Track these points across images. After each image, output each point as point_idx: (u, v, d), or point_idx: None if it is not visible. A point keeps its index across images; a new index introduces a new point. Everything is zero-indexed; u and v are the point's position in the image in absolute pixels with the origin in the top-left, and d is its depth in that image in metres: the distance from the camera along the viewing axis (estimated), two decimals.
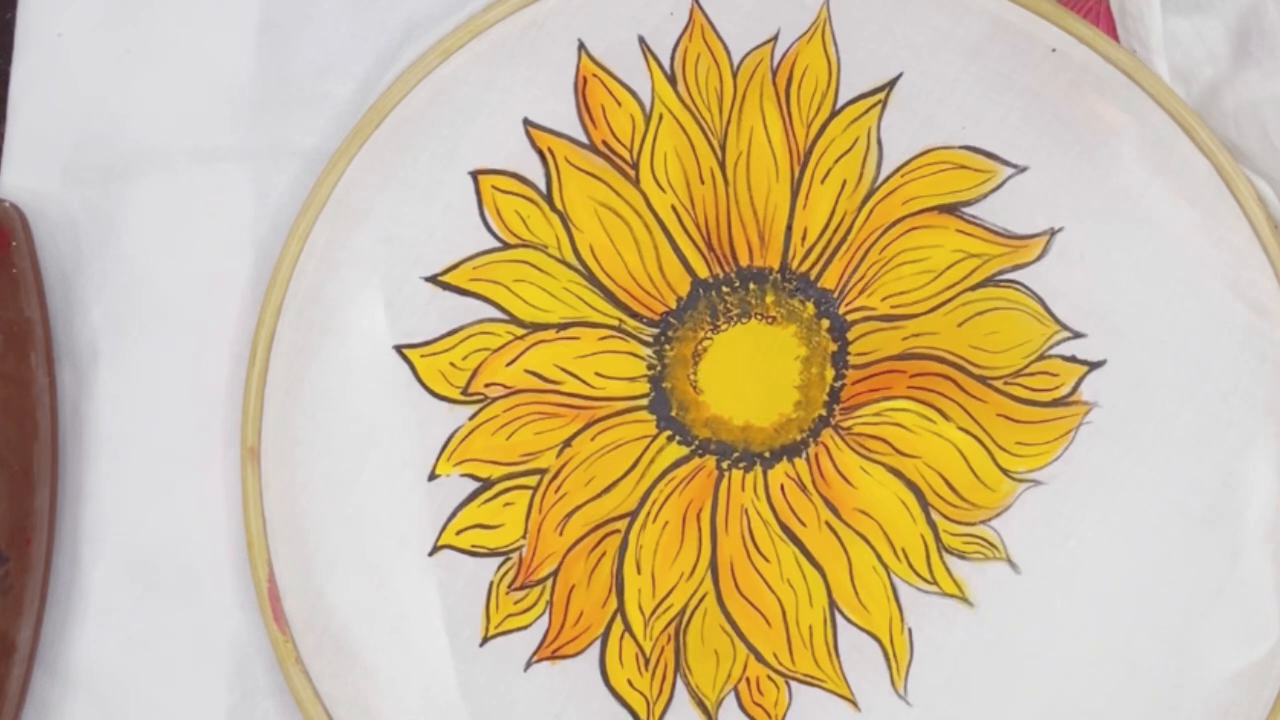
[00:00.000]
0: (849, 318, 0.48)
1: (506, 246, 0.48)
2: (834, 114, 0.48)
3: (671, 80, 0.49)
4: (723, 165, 0.48)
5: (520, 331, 0.48)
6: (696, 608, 0.47)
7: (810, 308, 0.48)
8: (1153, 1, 0.48)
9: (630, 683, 0.46)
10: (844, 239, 0.48)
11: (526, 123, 0.49)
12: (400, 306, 0.48)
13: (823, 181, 0.48)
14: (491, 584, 0.47)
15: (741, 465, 0.47)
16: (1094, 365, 0.47)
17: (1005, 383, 0.47)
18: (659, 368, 0.48)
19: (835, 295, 0.48)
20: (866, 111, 0.48)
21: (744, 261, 0.48)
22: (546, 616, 0.47)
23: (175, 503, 0.49)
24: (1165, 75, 0.48)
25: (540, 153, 0.49)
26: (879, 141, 0.48)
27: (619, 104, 0.49)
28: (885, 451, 0.47)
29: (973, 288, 0.47)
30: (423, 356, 0.48)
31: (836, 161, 0.48)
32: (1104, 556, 0.46)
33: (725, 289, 0.48)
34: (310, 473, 0.47)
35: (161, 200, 0.51)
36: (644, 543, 0.47)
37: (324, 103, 0.51)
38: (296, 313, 0.48)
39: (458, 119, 0.49)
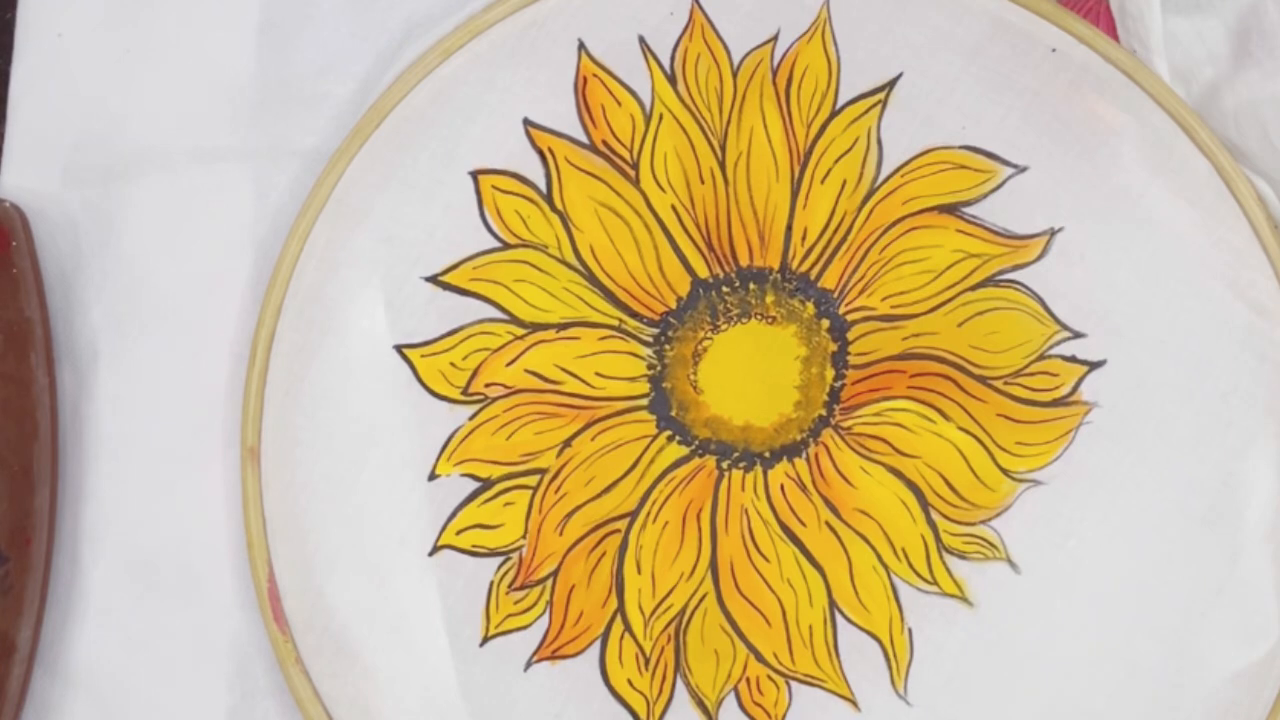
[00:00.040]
0: (849, 318, 0.48)
1: (506, 246, 0.48)
2: (834, 114, 0.48)
3: (671, 80, 0.49)
4: (723, 165, 0.48)
5: (520, 331, 0.48)
6: (696, 608, 0.47)
7: (810, 308, 0.48)
8: (1153, 1, 0.48)
9: (630, 683, 0.46)
10: (844, 239, 0.48)
11: (526, 123, 0.49)
12: (400, 306, 0.48)
13: (823, 181, 0.48)
14: (491, 584, 0.47)
15: (741, 465, 0.47)
16: (1094, 365, 0.47)
17: (1005, 383, 0.47)
18: (659, 368, 0.48)
19: (835, 295, 0.48)
20: (866, 111, 0.48)
21: (744, 261, 0.48)
22: (546, 616, 0.47)
23: (175, 503, 0.49)
24: (1165, 75, 0.48)
25: (540, 153, 0.49)
26: (879, 141, 0.48)
27: (619, 104, 0.49)
28: (885, 451, 0.47)
29: (973, 288, 0.47)
30: (423, 356, 0.48)
31: (836, 161, 0.48)
32: (1104, 556, 0.46)
33: (725, 289, 0.48)
34: (310, 473, 0.47)
35: (161, 200, 0.51)
36: (644, 543, 0.47)
37: (324, 103, 0.51)
38: (296, 313, 0.48)
39: (458, 119, 0.49)
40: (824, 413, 0.47)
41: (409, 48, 0.50)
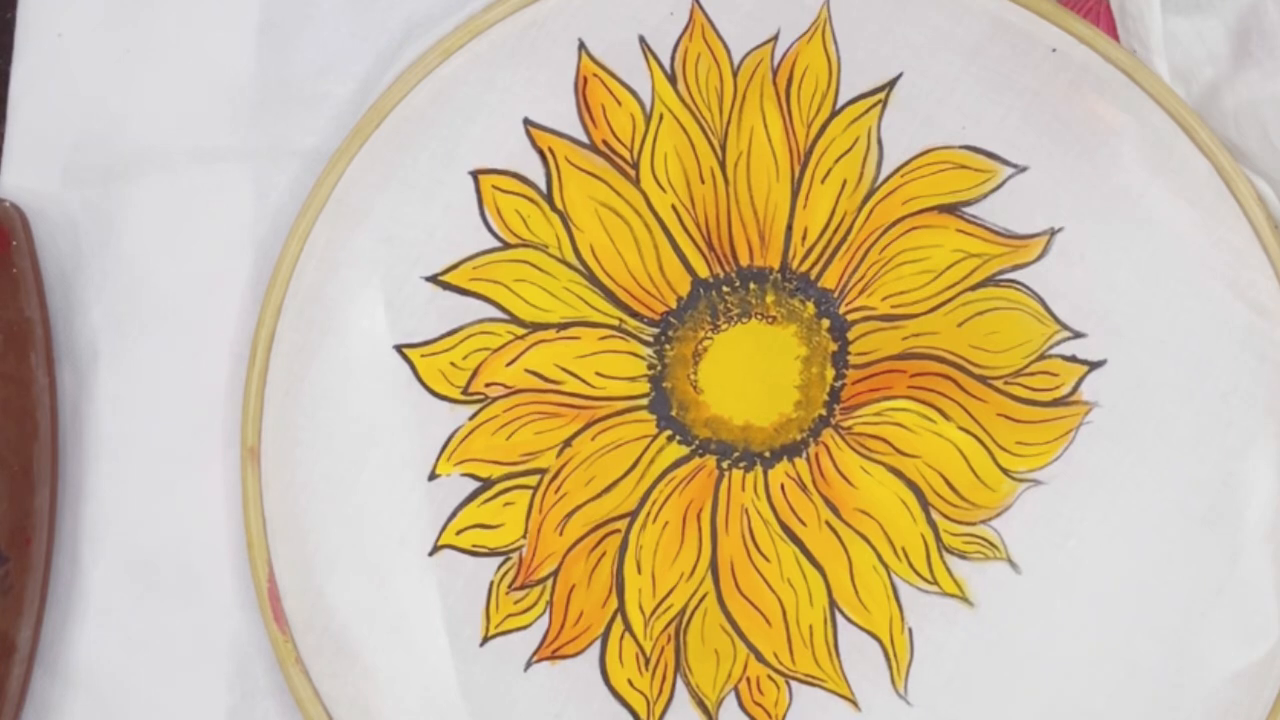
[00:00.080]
0: (849, 317, 0.48)
1: (507, 246, 0.48)
2: (834, 114, 0.48)
3: (672, 80, 0.49)
4: (723, 165, 0.48)
5: (520, 331, 0.48)
6: (697, 607, 0.47)
7: (810, 307, 0.48)
8: (1153, 1, 0.48)
9: (630, 682, 0.46)
10: (844, 239, 0.48)
11: (527, 122, 0.49)
12: (400, 306, 0.48)
13: (823, 181, 0.48)
14: (491, 584, 0.47)
15: (742, 465, 0.47)
16: (1094, 365, 0.47)
17: (1005, 382, 0.47)
18: (659, 367, 0.48)
19: (835, 295, 0.48)
20: (867, 111, 0.48)
21: (744, 261, 0.48)
22: (546, 616, 0.47)
23: (175, 503, 0.49)
24: (1165, 75, 0.48)
25: (540, 152, 0.49)
26: (879, 141, 0.48)
27: (619, 104, 0.49)
28: (885, 451, 0.47)
29: (973, 288, 0.47)
30: (423, 356, 0.48)
31: (837, 161, 0.48)
32: (1104, 556, 0.46)
33: (725, 289, 0.48)
34: (310, 473, 0.47)
35: (161, 200, 0.51)
36: (644, 542, 0.47)
37: (324, 103, 0.51)
38: (296, 313, 0.48)
39: (458, 119, 0.49)
40: (824, 412, 0.47)
41: (409, 48, 0.50)
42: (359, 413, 0.48)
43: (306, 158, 0.50)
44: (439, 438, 0.47)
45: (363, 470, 0.47)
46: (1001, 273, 0.47)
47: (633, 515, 0.47)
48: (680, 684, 0.46)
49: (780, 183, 0.48)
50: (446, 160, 0.49)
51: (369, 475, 0.47)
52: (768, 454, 0.47)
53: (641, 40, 0.49)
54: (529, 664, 0.46)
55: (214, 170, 0.51)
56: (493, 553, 0.47)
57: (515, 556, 0.47)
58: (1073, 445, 0.46)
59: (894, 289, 0.48)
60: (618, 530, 0.47)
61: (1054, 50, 0.48)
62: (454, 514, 0.47)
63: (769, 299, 0.48)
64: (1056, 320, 0.47)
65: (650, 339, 0.48)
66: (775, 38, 0.49)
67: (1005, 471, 0.47)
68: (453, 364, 0.48)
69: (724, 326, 0.48)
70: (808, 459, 0.47)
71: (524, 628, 0.47)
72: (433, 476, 0.47)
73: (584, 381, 0.48)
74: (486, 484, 0.47)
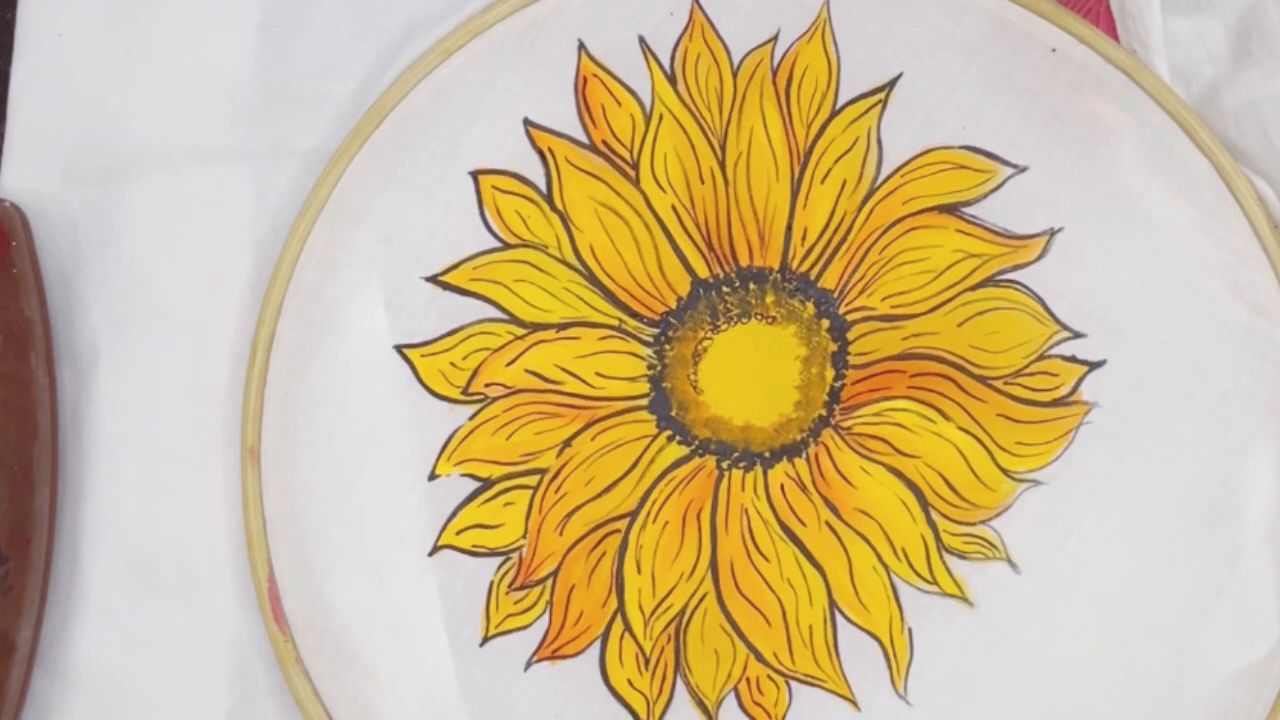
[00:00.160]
0: (849, 318, 0.48)
1: (507, 246, 0.48)
2: (834, 114, 0.48)
3: (671, 80, 0.49)
4: (723, 165, 0.48)
5: (520, 331, 0.48)
6: (696, 608, 0.47)
7: (810, 308, 0.48)
8: (1153, 1, 0.48)
9: (630, 683, 0.46)
10: (844, 239, 0.48)
11: (526, 123, 0.49)
12: (400, 306, 0.48)
13: (823, 181, 0.48)
14: (491, 584, 0.47)
15: (741, 465, 0.47)
16: (1094, 365, 0.47)
17: (1005, 383, 0.47)
18: (659, 368, 0.48)
19: (835, 295, 0.48)
20: (866, 111, 0.48)
21: (744, 261, 0.48)
22: (546, 616, 0.47)
23: (175, 503, 0.49)
24: (1165, 75, 0.48)
25: (540, 153, 0.49)
26: (879, 141, 0.48)
27: (619, 104, 0.49)
28: (885, 451, 0.47)
29: (973, 288, 0.47)
30: (423, 356, 0.48)
31: (836, 161, 0.48)
32: (1104, 556, 0.46)
33: (725, 289, 0.48)
34: (310, 473, 0.47)
35: (161, 200, 0.51)
36: (644, 543, 0.47)
37: (324, 103, 0.51)
38: (296, 313, 0.48)
39: (458, 119, 0.49)
40: (824, 413, 0.47)
41: (409, 48, 0.50)
42: (359, 413, 0.48)
43: (306, 158, 0.50)
44: (439, 438, 0.47)
45: (363, 470, 0.47)
46: (1001, 273, 0.47)
47: (633, 515, 0.47)
48: (680, 684, 0.46)
49: (780, 183, 0.48)
50: (446, 160, 0.49)
51: (369, 475, 0.47)
52: (767, 454, 0.47)
53: (641, 40, 0.49)
54: (529, 664, 0.46)
55: (214, 170, 0.51)
56: (493, 553, 0.47)
57: (515, 556, 0.47)
58: (1073, 445, 0.46)
59: (894, 289, 0.48)
60: (618, 530, 0.47)
61: (1054, 50, 0.48)
62: (454, 514, 0.47)
63: (769, 299, 0.48)
64: (1056, 320, 0.47)
65: (650, 339, 0.48)
66: (775, 38, 0.49)
67: (1005, 472, 0.47)
68: (453, 364, 0.48)
69: (724, 327, 0.48)
70: (807, 459, 0.47)
71: (524, 628, 0.47)
72: (433, 476, 0.47)
73: (584, 382, 0.48)
74: (486, 484, 0.47)
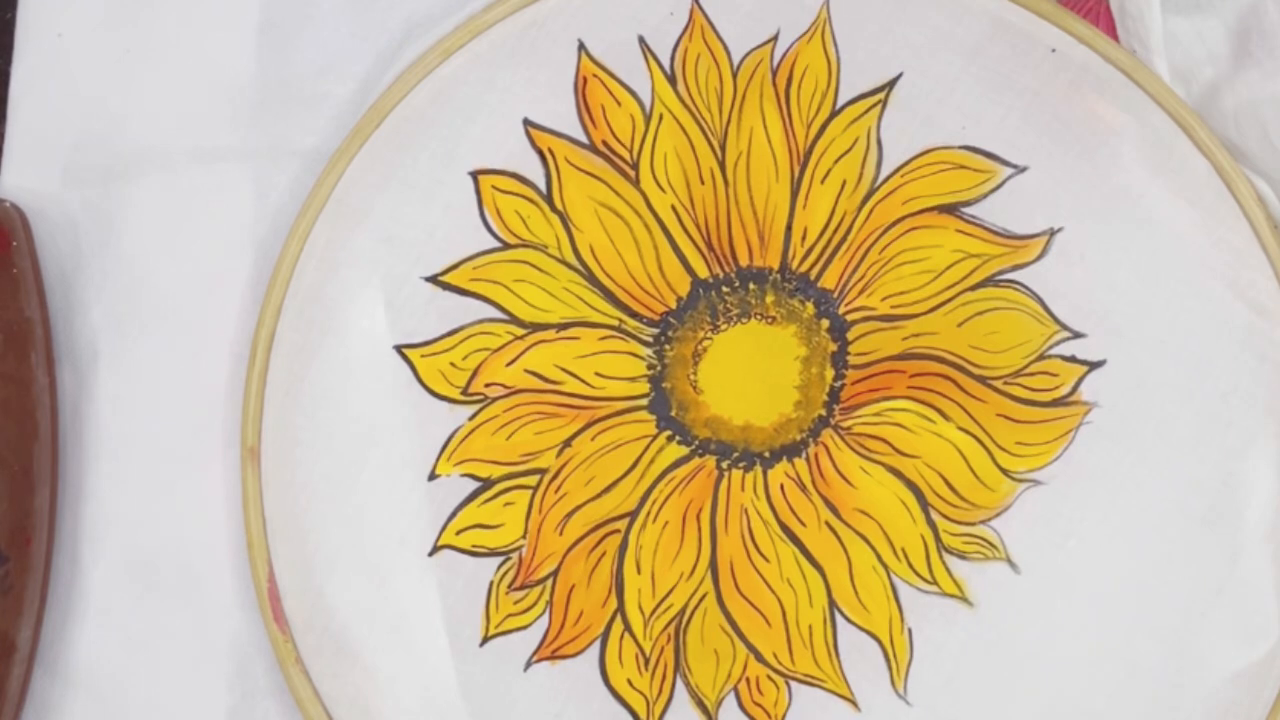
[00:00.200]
0: (849, 318, 0.48)
1: (506, 246, 0.48)
2: (834, 114, 0.48)
3: (671, 80, 0.49)
4: (723, 165, 0.48)
5: (520, 331, 0.48)
6: (696, 608, 0.47)
7: (810, 308, 0.48)
8: (1153, 1, 0.48)
9: (630, 683, 0.46)
10: (844, 239, 0.48)
11: (526, 123, 0.49)
12: (400, 306, 0.48)
13: (823, 181, 0.48)
14: (491, 584, 0.47)
15: (741, 465, 0.47)
16: (1094, 365, 0.47)
17: (1005, 383, 0.47)
18: (659, 368, 0.48)
19: (835, 295, 0.48)
20: (866, 111, 0.48)
21: (744, 261, 0.48)
22: (546, 616, 0.47)
23: (175, 503, 0.49)
24: (1165, 75, 0.48)
25: (540, 153, 0.49)
26: (879, 141, 0.48)
27: (619, 104, 0.49)
28: (885, 451, 0.47)
29: (973, 288, 0.47)
30: (423, 356, 0.48)
31: (836, 161, 0.48)
32: (1104, 556, 0.46)
33: (725, 289, 0.48)
34: (310, 473, 0.47)
35: (161, 200, 0.51)
36: (644, 543, 0.47)
37: (324, 103, 0.51)
38: (296, 313, 0.48)
39: (458, 119, 0.49)
40: (824, 413, 0.47)
41: (409, 48, 0.50)
42: (359, 413, 0.48)
43: (306, 158, 0.50)
44: (439, 438, 0.47)
45: (363, 470, 0.47)
46: (1001, 273, 0.47)
47: (632, 515, 0.47)
48: (680, 684, 0.46)
49: (780, 183, 0.48)
50: (446, 160, 0.49)
51: (369, 475, 0.47)
52: (767, 454, 0.47)
53: (641, 40, 0.49)
54: (529, 664, 0.46)
55: (214, 170, 0.51)
56: (493, 553, 0.47)
57: (515, 556, 0.47)
58: (1072, 445, 0.46)
59: (894, 289, 0.48)
60: (617, 530, 0.47)
61: (1054, 50, 0.48)
62: (454, 514, 0.47)
63: (769, 299, 0.48)
64: (1056, 320, 0.47)
65: (650, 339, 0.48)
66: (775, 38, 0.49)
67: (1005, 472, 0.47)
68: (452, 364, 0.48)
69: (724, 327, 0.48)
70: (807, 459, 0.47)
71: (524, 628, 0.47)
72: (433, 476, 0.47)
73: (584, 382, 0.48)
74: (486, 484, 0.47)
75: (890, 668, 0.46)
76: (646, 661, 0.46)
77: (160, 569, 0.49)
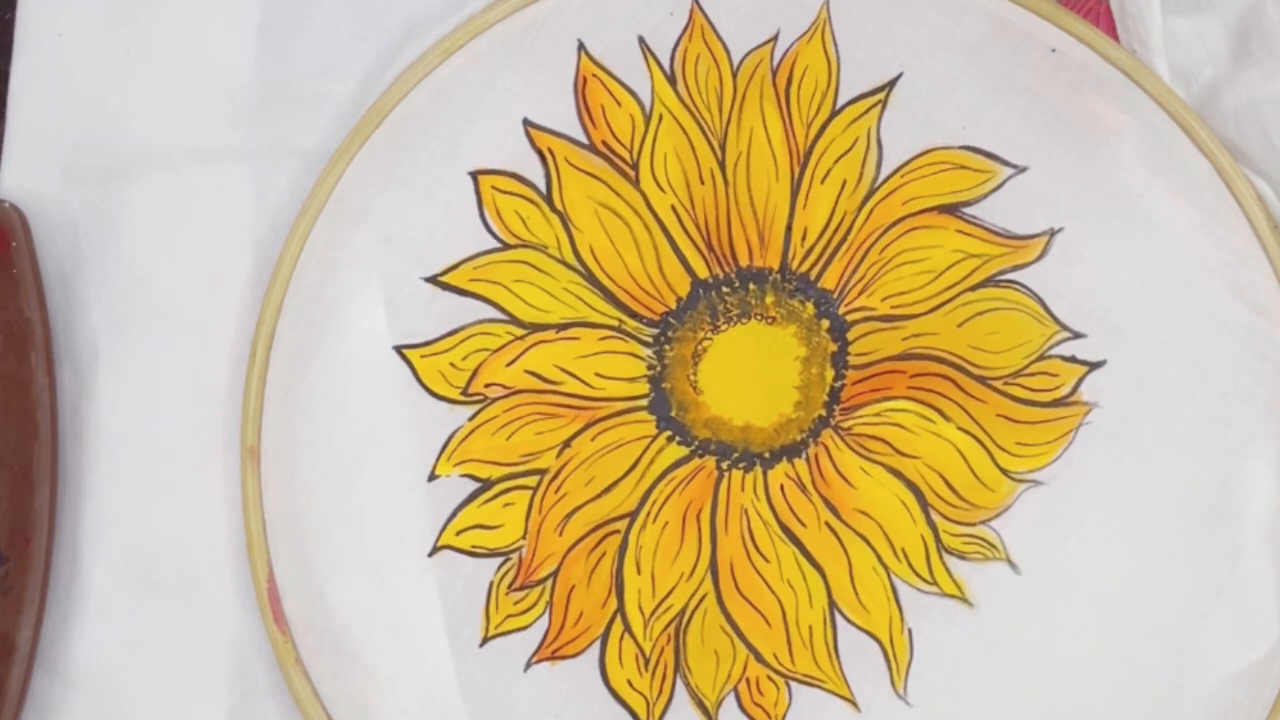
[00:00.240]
0: (849, 318, 0.48)
1: (506, 247, 0.48)
2: (834, 114, 0.48)
3: (671, 80, 0.49)
4: (723, 165, 0.48)
5: (520, 332, 0.48)
6: (696, 608, 0.47)
7: (810, 308, 0.48)
8: (1153, 1, 0.48)
9: (630, 683, 0.46)
10: (844, 239, 0.48)
11: (526, 123, 0.49)
12: (400, 306, 0.48)
13: (823, 181, 0.48)
14: (491, 584, 0.47)
15: (741, 465, 0.47)
16: (1094, 365, 0.47)
17: (1005, 383, 0.47)
18: (659, 368, 0.48)
19: (835, 295, 0.48)
20: (866, 111, 0.48)
21: (744, 262, 0.48)
22: (546, 617, 0.47)
23: (175, 503, 0.49)
24: (1165, 75, 0.48)
25: (540, 153, 0.49)
26: (879, 141, 0.48)
27: (619, 104, 0.49)
28: (885, 452, 0.47)
29: (973, 288, 0.47)
30: (423, 357, 0.48)
31: (836, 161, 0.48)
32: (1104, 556, 0.46)
33: (725, 289, 0.48)
34: (310, 473, 0.47)
35: (161, 200, 0.51)
36: (644, 543, 0.47)
37: (324, 103, 0.51)
38: (296, 313, 0.48)
39: (458, 119, 0.49)
40: (824, 413, 0.47)
41: (409, 48, 0.50)
42: (359, 413, 0.48)
43: (306, 158, 0.50)
44: (439, 438, 0.47)
45: (363, 470, 0.47)
46: (1001, 273, 0.47)
47: (632, 516, 0.47)
48: (680, 684, 0.46)
49: (780, 183, 0.48)
50: (446, 160, 0.49)
51: (369, 475, 0.47)
52: (767, 454, 0.47)
53: (641, 41, 0.49)
54: (529, 664, 0.46)
55: (214, 170, 0.51)
56: (492, 553, 0.47)
57: (515, 557, 0.47)
58: (1072, 445, 0.46)
59: (894, 289, 0.48)
60: (617, 531, 0.47)
61: (1054, 50, 0.48)
62: (454, 514, 0.47)
63: (769, 299, 0.48)
64: (1056, 321, 0.47)
65: (650, 339, 0.48)
66: (775, 38, 0.49)
67: (1005, 472, 0.47)
68: (452, 364, 0.48)
69: (724, 327, 0.48)
70: (807, 459, 0.47)
71: (524, 628, 0.47)
72: (432, 477, 0.47)
73: (583, 382, 0.48)
74: (486, 484, 0.47)
75: (890, 668, 0.46)
76: (646, 662, 0.46)
77: (160, 569, 0.49)
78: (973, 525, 0.46)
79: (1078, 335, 0.47)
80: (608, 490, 0.47)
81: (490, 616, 0.47)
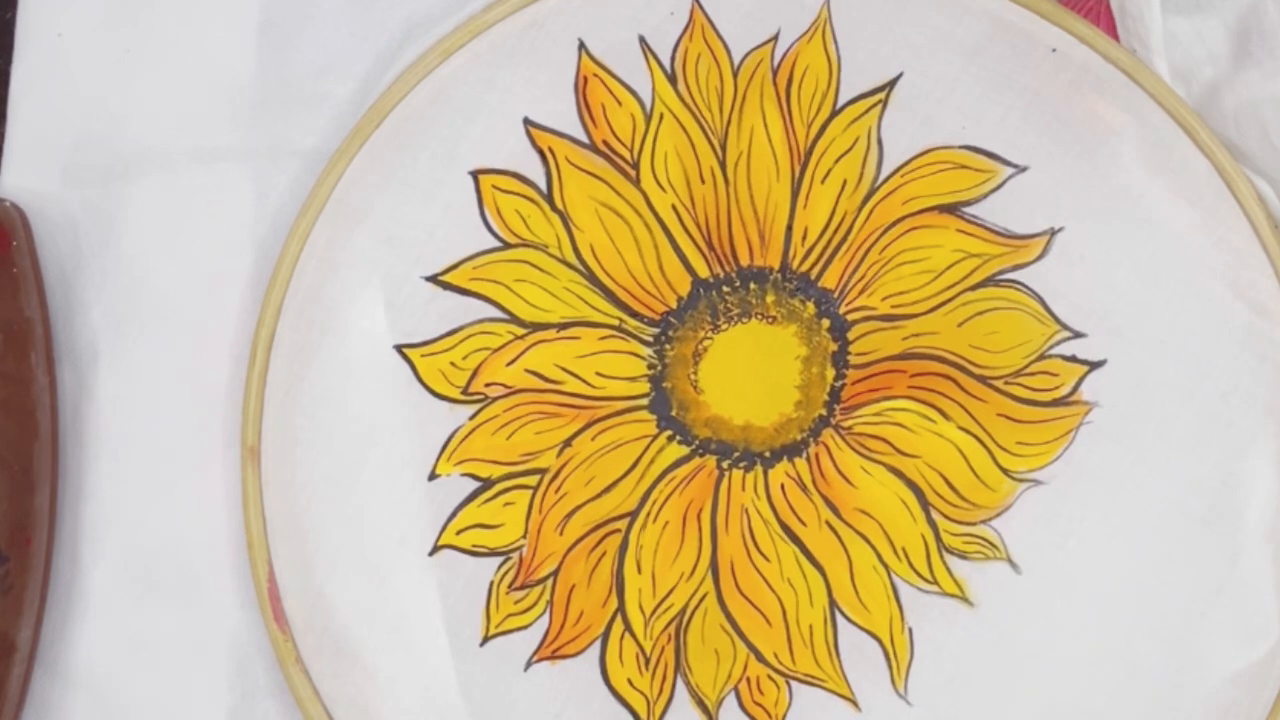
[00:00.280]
0: (849, 317, 0.48)
1: (507, 246, 0.48)
2: (834, 114, 0.48)
3: (672, 80, 0.49)
4: (723, 165, 0.48)
5: (521, 331, 0.48)
6: (697, 607, 0.47)
7: (810, 307, 0.48)
8: (1153, 1, 0.48)
9: (630, 682, 0.46)
10: (844, 239, 0.48)
11: (527, 122, 0.49)
12: (400, 306, 0.48)
13: (823, 181, 0.48)
14: (491, 584, 0.47)
15: (742, 465, 0.47)
16: (1094, 365, 0.47)
17: (1005, 382, 0.47)
18: (659, 367, 0.48)
19: (835, 295, 0.48)
20: (867, 111, 0.48)
21: (744, 261, 0.48)
22: (547, 616, 0.47)
23: (175, 503, 0.49)
24: (1165, 75, 0.48)
25: (541, 152, 0.49)
26: (879, 141, 0.48)
27: (619, 103, 0.49)
28: (886, 451, 0.47)
29: (973, 288, 0.47)
30: (423, 356, 0.48)
31: (837, 161, 0.48)
32: (1104, 556, 0.46)
33: (726, 289, 0.48)
34: (310, 473, 0.47)
35: (161, 200, 0.51)
36: (644, 542, 0.47)
37: (324, 103, 0.51)
38: (296, 313, 0.48)
39: (458, 119, 0.49)
40: (824, 412, 0.47)
41: (409, 48, 0.50)
42: (359, 413, 0.48)
43: (306, 158, 0.50)
44: (439, 438, 0.47)
45: (363, 470, 0.47)
46: (1001, 273, 0.47)
47: (633, 515, 0.47)
48: (680, 684, 0.46)
49: (780, 183, 0.48)
50: (446, 160, 0.49)
51: (369, 475, 0.47)
52: (768, 454, 0.47)
53: (641, 40, 0.49)
54: (529, 664, 0.46)
55: (214, 170, 0.51)
56: (493, 553, 0.47)
57: (515, 556, 0.47)
58: (1073, 445, 0.46)
59: (894, 289, 0.48)
60: (618, 530, 0.47)
61: (1054, 50, 0.48)
62: (454, 514, 0.47)
63: (769, 299, 0.48)
64: (1056, 320, 0.47)
65: (650, 339, 0.48)
66: (775, 38, 0.49)
67: (1005, 471, 0.47)
68: (453, 364, 0.48)
69: (724, 326, 0.48)
70: (808, 459, 0.47)
71: (524, 628, 0.47)
72: (433, 476, 0.47)
73: (584, 381, 0.48)
74: (486, 484, 0.47)
75: (891, 667, 0.46)
76: (647, 661, 0.46)
77: (160, 569, 0.49)
78: (973, 525, 0.46)
79: (1078, 335, 0.47)
80: (608, 490, 0.47)
81: (490, 616, 0.47)
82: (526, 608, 0.47)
